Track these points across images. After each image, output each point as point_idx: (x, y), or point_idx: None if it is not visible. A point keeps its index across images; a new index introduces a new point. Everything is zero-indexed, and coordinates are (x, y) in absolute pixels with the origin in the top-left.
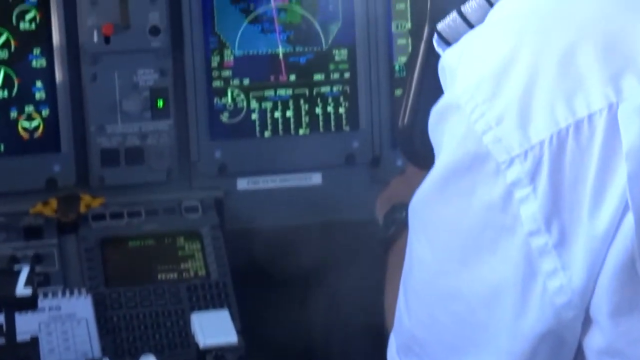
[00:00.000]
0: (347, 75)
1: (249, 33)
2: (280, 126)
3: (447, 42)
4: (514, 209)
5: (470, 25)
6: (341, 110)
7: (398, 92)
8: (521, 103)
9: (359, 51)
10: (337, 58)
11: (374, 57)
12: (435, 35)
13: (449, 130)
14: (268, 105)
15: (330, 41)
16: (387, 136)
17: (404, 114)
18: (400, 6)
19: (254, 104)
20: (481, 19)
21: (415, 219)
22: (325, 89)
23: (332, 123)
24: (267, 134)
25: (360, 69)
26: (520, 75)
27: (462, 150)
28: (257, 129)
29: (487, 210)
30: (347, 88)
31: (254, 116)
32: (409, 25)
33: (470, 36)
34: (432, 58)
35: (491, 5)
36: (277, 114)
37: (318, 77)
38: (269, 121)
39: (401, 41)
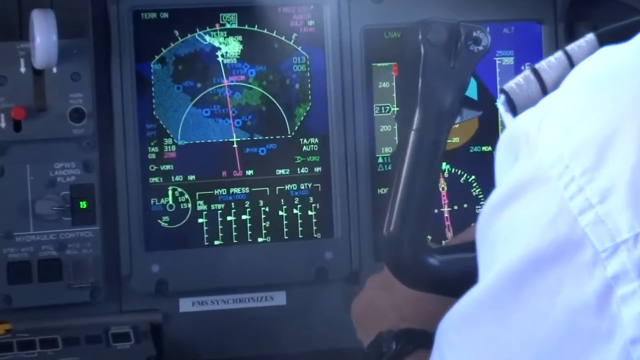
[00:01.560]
0: (317, 169)
1: (195, 118)
2: (234, 233)
3: (513, 107)
4: (613, 310)
5: (543, 88)
6: (310, 213)
7: (382, 190)
8: (633, 176)
9: (333, 140)
10: (305, 148)
11: (352, 147)
12: (501, 97)
13: (528, 211)
14: (219, 207)
15: (297, 127)
16: (367, 246)
17: (390, 219)
18: (384, 84)
19: (201, 206)
20: (557, 80)
21: (455, 341)
22: (290, 187)
23: (300, 229)
24: (217, 242)
25: (334, 161)
26: (629, 143)
27: (550, 236)
28: (205, 236)
29: (576, 314)
30: (319, 186)
31: (201, 221)
32: (394, 108)
33: (551, 100)
34: (425, 147)
35: (572, 65)
36: (231, 218)
37: (282, 172)
38: (220, 227)
39: (385, 128)
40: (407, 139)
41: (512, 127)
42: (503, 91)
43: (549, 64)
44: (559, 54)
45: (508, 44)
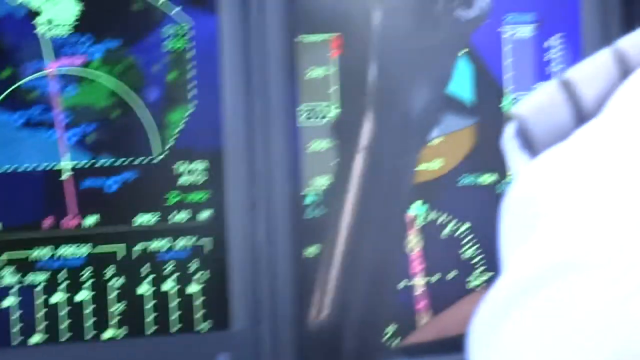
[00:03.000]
0: (204, 214)
1: None
2: (64, 324)
3: (530, 143)
4: None
5: (580, 112)
6: (193, 289)
7: (310, 250)
8: None
9: (231, 165)
10: (184, 179)
11: (262, 177)
12: (512, 127)
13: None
14: (39, 279)
15: (170, 145)
16: (286, 343)
17: (322, 299)
18: (315, 72)
19: (7, 277)
20: (604, 98)
21: None
22: (160, 246)
23: (174, 317)
24: (35, 340)
25: (232, 201)
26: None
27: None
28: (17, 328)
29: None
30: (206, 242)
31: (7, 303)
32: (333, 111)
33: (594, 132)
34: (382, 178)
35: (625, 74)
36: (59, 299)
37: (145, 219)
38: (39, 314)
39: (317, 145)
40: (351, 164)
41: (530, 177)
42: (514, 117)
43: (592, 70)
44: (605, 53)
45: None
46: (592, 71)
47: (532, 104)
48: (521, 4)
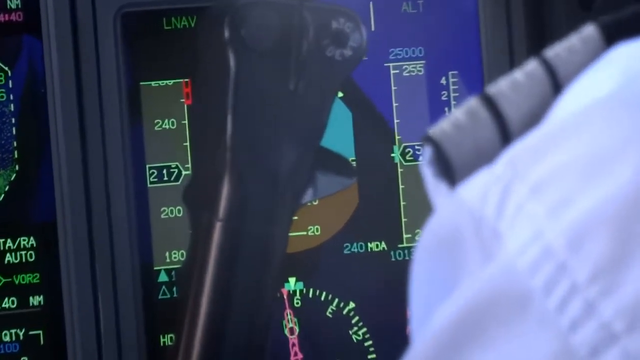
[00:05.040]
0: (36, 301)
1: None
2: None
3: (448, 168)
4: None
5: (504, 129)
6: None
7: (165, 339)
8: None
9: (64, 238)
10: (9, 258)
11: (104, 252)
12: (426, 151)
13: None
14: None
15: None
16: None
17: None
18: (164, 124)
19: None
20: (528, 114)
21: None
22: None
23: None
24: None
25: (67, 284)
26: None
27: None
28: None
29: None
30: (39, 333)
31: None
32: (185, 172)
33: (522, 152)
34: (244, 252)
35: (556, 85)
36: None
37: None
38: None
39: (167, 212)
40: (209, 235)
41: (450, 207)
42: (428, 141)
43: (513, 83)
44: (533, 64)
45: (412, 32)
46: (518, 84)
47: (449, 123)
48: (408, 35)
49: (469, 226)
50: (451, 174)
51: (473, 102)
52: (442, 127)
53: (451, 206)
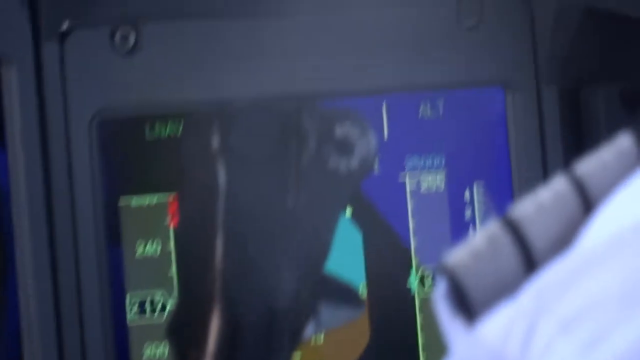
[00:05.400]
0: None
1: None
2: None
3: (466, 303)
4: None
5: (529, 257)
6: None
7: None
8: None
9: None
10: None
11: None
12: (446, 285)
13: None
14: None
15: None
16: None
17: None
18: (147, 249)
19: None
20: (555, 239)
21: None
22: None
23: None
24: None
25: None
26: None
27: None
28: None
29: None
30: None
31: None
32: (169, 306)
33: (551, 284)
34: None
35: (587, 205)
36: None
37: None
38: None
39: (152, 351)
40: None
41: (467, 347)
42: (444, 272)
43: (539, 205)
44: (562, 182)
45: (431, 138)
46: (545, 206)
47: (467, 252)
48: (426, 141)
49: None
50: (468, 307)
51: (494, 228)
52: (459, 257)
53: (469, 346)
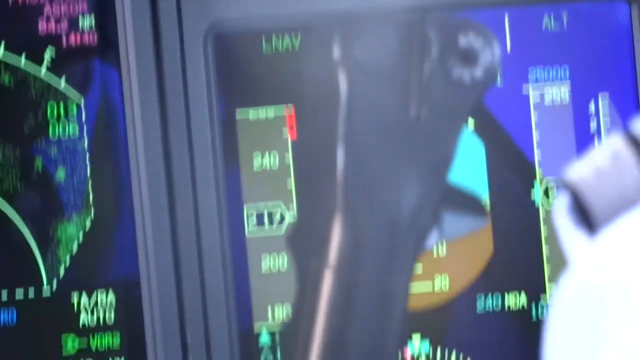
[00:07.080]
0: None
1: None
2: None
3: (587, 218)
4: None
5: None
6: None
7: None
8: None
9: (149, 296)
10: (85, 320)
11: (195, 310)
12: (567, 200)
13: None
14: None
15: (63, 273)
16: None
17: None
18: (265, 161)
19: None
20: None
21: None
22: None
23: None
24: None
25: (153, 348)
26: None
27: None
28: None
29: None
30: None
31: None
32: (290, 212)
33: None
34: (358, 308)
35: None
36: None
37: None
38: None
39: (270, 262)
40: (317, 288)
41: (592, 263)
42: (565, 187)
43: None
44: None
45: (555, 50)
46: None
47: (588, 167)
48: (551, 54)
49: (618, 285)
50: (590, 221)
51: (616, 143)
52: (582, 173)
53: (593, 262)
